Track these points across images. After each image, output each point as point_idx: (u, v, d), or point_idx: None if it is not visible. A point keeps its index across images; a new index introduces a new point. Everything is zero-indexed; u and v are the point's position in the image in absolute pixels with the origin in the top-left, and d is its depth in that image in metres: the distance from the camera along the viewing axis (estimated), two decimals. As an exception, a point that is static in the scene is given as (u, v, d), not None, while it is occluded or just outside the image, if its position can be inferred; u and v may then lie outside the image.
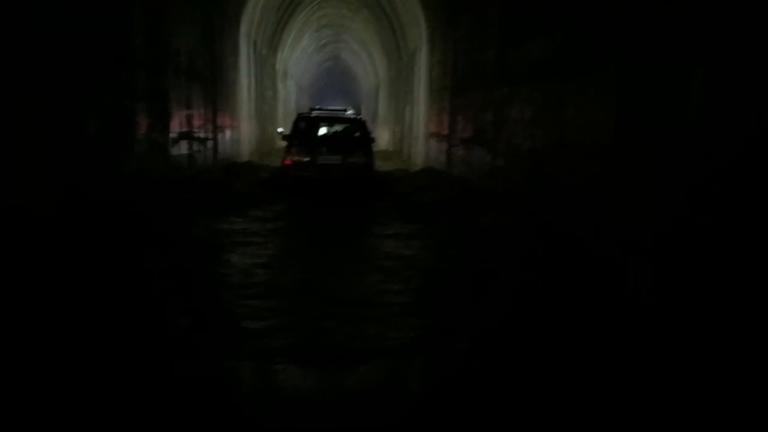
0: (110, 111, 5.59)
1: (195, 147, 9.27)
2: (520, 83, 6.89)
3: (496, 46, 8.09)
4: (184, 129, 8.55)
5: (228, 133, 12.31)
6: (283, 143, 10.32)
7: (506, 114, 7.49)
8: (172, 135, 7.93)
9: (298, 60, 31.97)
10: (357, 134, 10.41)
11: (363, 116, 12.80)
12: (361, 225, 8.01)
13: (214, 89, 10.83)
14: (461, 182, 9.79)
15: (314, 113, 11.04)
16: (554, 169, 5.67)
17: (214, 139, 10.81)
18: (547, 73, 6.03)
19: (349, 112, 11.72)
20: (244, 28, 14.32)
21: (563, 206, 5.38)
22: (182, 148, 8.46)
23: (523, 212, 6.28)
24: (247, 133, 15.63)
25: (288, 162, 9.76)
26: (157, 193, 6.64)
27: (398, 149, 20.85)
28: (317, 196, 9.46)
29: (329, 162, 9.67)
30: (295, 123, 10.45)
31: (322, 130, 11.01)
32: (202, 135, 9.76)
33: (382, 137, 29.44)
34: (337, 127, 10.95)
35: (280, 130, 11.70)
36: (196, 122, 9.31)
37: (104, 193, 5.33)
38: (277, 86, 23.48)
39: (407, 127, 18.52)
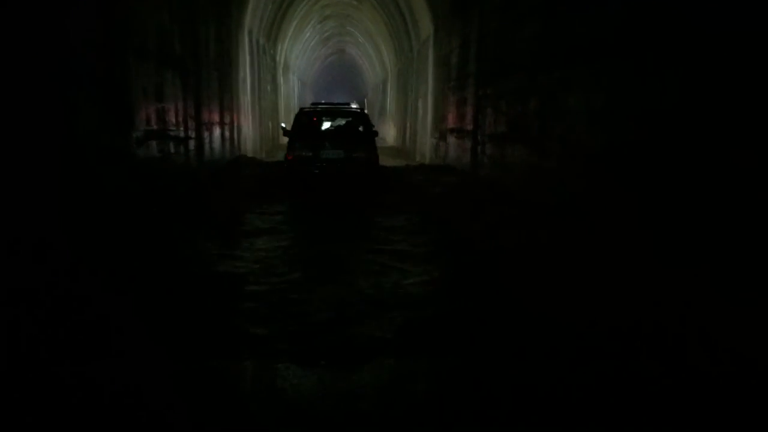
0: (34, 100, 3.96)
1: (170, 149, 7.64)
2: (588, 61, 5.20)
3: (542, 17, 6.41)
4: (153, 127, 6.91)
5: (217, 131, 10.67)
6: (286, 141, 10.01)
7: (560, 103, 5.82)
8: (137, 134, 6.29)
9: (300, 53, 30.31)
10: (360, 128, 10.13)
11: (368, 112, 12.49)
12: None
13: (197, 79, 9.19)
14: (493, 188, 8.11)
15: (319, 108, 10.81)
16: (647, 178, 3.99)
17: (198, 139, 9.17)
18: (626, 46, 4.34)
19: (354, 106, 11.26)
20: (235, 13, 12.66)
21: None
22: (151, 150, 6.82)
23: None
24: (244, 130, 13.98)
25: (290, 157, 9.54)
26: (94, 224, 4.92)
27: (411, 146, 19.13)
28: (320, 195, 9.25)
29: (332, 157, 9.49)
30: (297, 117, 10.16)
31: (325, 125, 10.70)
32: (181, 134, 8.13)
33: (391, 134, 27.79)
34: (340, 121, 10.62)
35: (283, 125, 11.41)
36: (171, 118, 7.68)
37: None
38: (277, 80, 21.82)
39: (420, 122, 16.83)
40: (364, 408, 2.83)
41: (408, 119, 19.96)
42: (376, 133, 10.25)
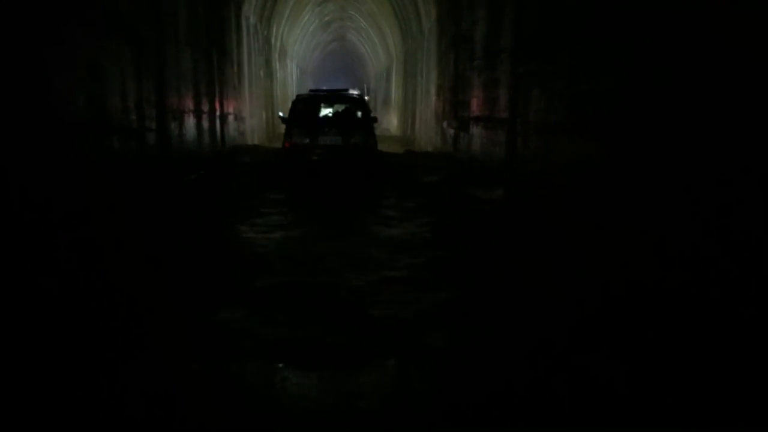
0: None
1: (116, 143, 5.69)
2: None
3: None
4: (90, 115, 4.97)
5: (191, 121, 8.70)
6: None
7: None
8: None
9: (299, 38, 28.23)
10: (358, 114, 9.86)
11: (371, 101, 12.73)
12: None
13: (160, 55, 7.22)
14: (545, 192, 6.15)
15: (317, 94, 10.49)
16: None
17: (162, 130, 7.22)
18: None
19: (354, 92, 10.77)
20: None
21: None
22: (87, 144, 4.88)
23: None
24: (230, 120, 12.01)
25: (287, 145, 9.32)
26: None
27: (422, 136, 17.12)
28: (318, 183, 9.06)
29: (330, 143, 9.26)
30: (294, 104, 9.80)
31: (322, 111, 10.44)
32: (133, 124, 6.17)
33: (394, 123, 25.73)
34: (338, 107, 10.39)
35: (280, 114, 11.06)
36: (117, 104, 5.72)
37: None
38: (272, 65, 19.78)
39: (432, 110, 14.82)
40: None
41: (417, 107, 17.95)
42: (375, 119, 9.98)
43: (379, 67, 34.76)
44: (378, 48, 31.56)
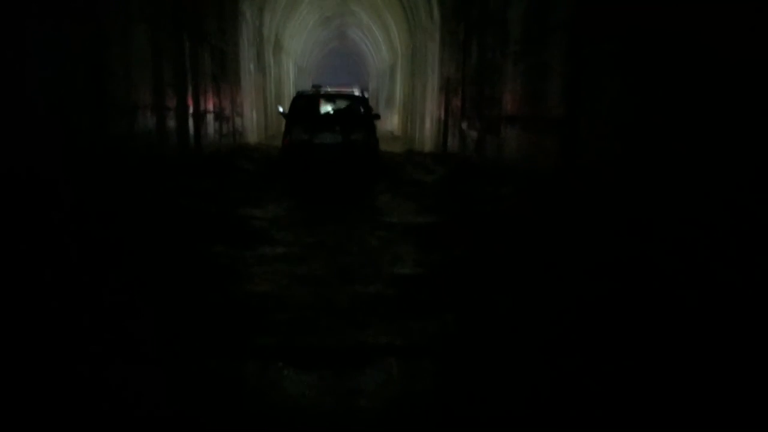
0: None
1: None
2: None
3: None
4: None
5: (147, 119, 6.74)
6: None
7: None
8: None
9: (296, 33, 26.29)
10: (359, 111, 9.87)
11: (373, 102, 11.55)
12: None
13: (95, 25, 5.29)
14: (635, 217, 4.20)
15: (317, 91, 10.41)
16: None
17: (95, 131, 5.28)
18: None
19: (356, 92, 10.65)
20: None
21: None
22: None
23: None
24: (207, 119, 10.07)
25: (286, 141, 9.22)
26: None
27: (433, 137, 15.16)
28: (318, 181, 8.87)
29: (329, 141, 9.13)
30: (294, 101, 9.85)
31: (322, 108, 10.32)
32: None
33: (400, 125, 23.68)
34: (338, 105, 10.39)
35: (281, 109, 10.79)
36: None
37: None
38: (265, 59, 17.83)
39: (444, 110, 12.88)
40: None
41: (427, 106, 15.99)
42: (377, 116, 9.86)
43: (382, 65, 32.90)
44: (381, 45, 29.69)
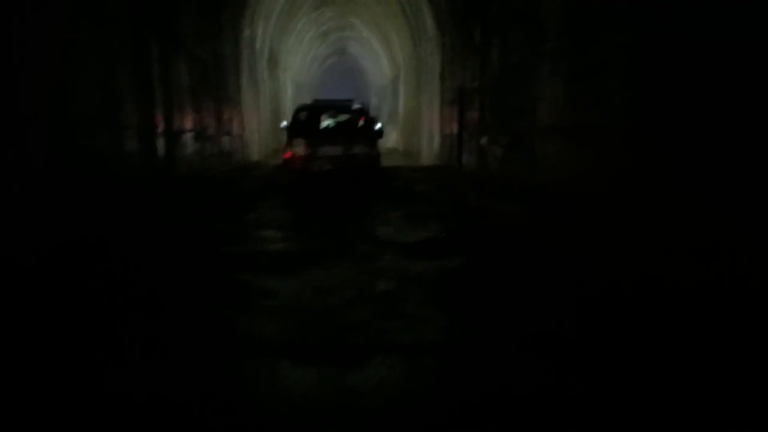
0: None
1: None
2: None
3: None
4: None
5: (103, 139, 5.31)
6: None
7: None
8: None
9: (293, 48, 25.03)
10: (360, 124, 9.77)
11: (373, 115, 11.51)
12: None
13: (27, 37, 3.89)
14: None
15: (318, 104, 10.57)
16: None
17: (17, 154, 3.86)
18: None
19: (356, 106, 10.40)
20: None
21: None
22: None
23: None
24: (183, 139, 8.66)
25: (288, 155, 9.08)
26: None
27: (444, 154, 13.72)
28: (319, 196, 8.72)
29: (331, 154, 8.98)
30: (295, 114, 9.84)
31: (324, 121, 10.15)
32: None
33: (404, 141, 22.22)
34: (340, 118, 10.20)
35: (283, 124, 10.44)
36: None
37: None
38: (258, 73, 16.49)
39: (458, 123, 11.45)
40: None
41: (435, 119, 14.59)
42: (380, 133, 9.67)
43: (383, 80, 31.71)
44: (382, 60, 28.52)
